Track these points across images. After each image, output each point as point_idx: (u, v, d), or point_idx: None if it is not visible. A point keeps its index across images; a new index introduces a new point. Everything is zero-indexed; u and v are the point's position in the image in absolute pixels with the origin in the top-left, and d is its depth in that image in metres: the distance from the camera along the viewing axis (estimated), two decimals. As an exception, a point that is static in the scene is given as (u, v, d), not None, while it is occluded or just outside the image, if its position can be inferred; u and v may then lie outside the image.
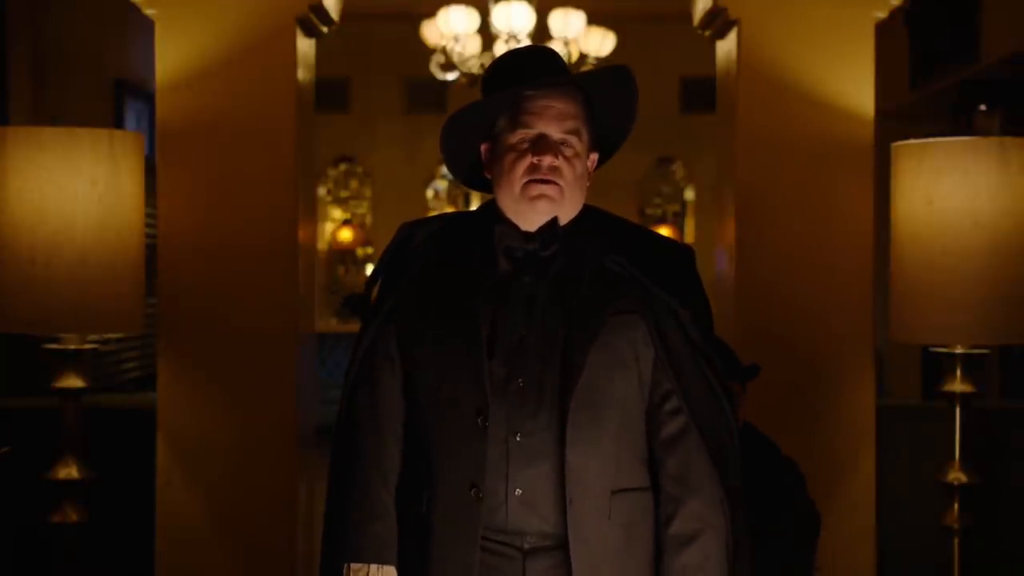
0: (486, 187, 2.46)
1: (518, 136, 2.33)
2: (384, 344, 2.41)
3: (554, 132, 2.33)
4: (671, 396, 2.35)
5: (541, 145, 2.32)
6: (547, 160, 2.31)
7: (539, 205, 2.33)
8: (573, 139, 2.34)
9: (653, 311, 2.35)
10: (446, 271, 2.37)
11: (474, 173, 2.47)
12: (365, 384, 2.42)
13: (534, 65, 2.38)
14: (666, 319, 2.36)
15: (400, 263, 2.42)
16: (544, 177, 2.31)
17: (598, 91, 2.39)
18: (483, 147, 2.41)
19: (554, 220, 2.35)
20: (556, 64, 2.40)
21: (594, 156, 2.42)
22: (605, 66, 2.47)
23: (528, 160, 2.32)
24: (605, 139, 2.45)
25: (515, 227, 2.36)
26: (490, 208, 2.42)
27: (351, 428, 2.42)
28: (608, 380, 2.31)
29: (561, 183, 2.32)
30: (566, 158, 2.33)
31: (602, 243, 2.39)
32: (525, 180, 2.32)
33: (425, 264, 2.39)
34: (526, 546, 2.30)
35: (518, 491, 2.28)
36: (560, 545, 2.30)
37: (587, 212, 2.42)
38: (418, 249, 2.41)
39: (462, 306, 2.33)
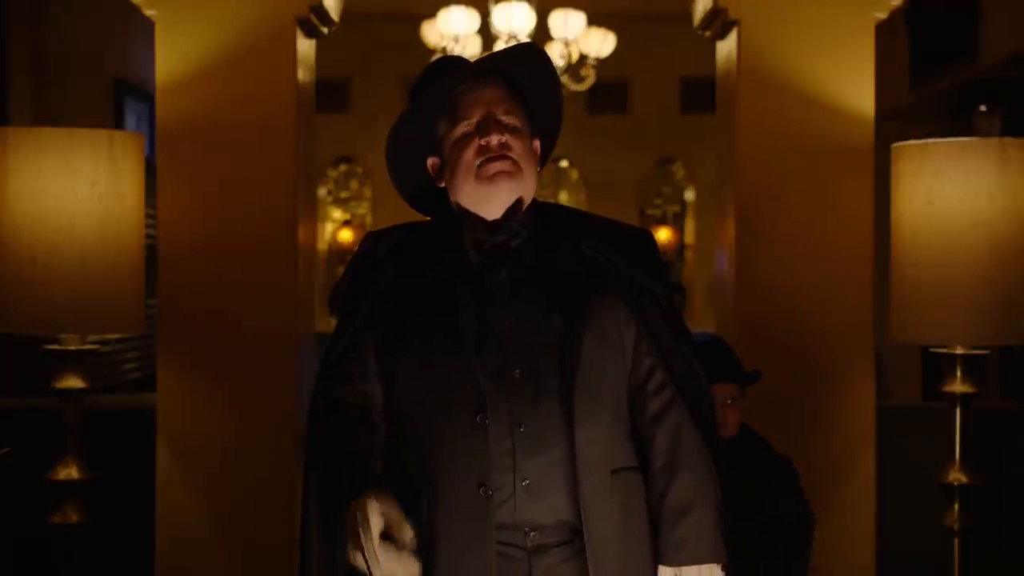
0: (429, 210, 2.49)
1: (461, 129, 2.36)
2: (358, 353, 2.40)
3: (495, 113, 2.36)
4: (655, 373, 2.39)
5: (486, 126, 2.35)
6: (495, 138, 2.34)
7: (499, 182, 2.34)
8: (512, 118, 2.37)
9: (631, 292, 2.39)
10: (418, 277, 2.38)
11: (422, 195, 2.49)
12: (339, 383, 2.40)
13: (452, 67, 2.42)
14: (644, 299, 2.41)
15: (367, 273, 2.42)
16: (496, 154, 2.34)
17: (518, 72, 2.41)
18: (430, 161, 2.43)
19: (518, 205, 2.37)
20: (469, 62, 2.45)
21: (536, 143, 2.44)
22: (514, 45, 2.49)
23: (475, 143, 2.34)
24: (544, 122, 2.48)
25: (479, 220, 2.37)
26: (447, 213, 2.43)
27: (324, 419, 2.40)
28: (601, 362, 2.34)
29: (514, 156, 2.35)
30: (512, 133, 2.36)
31: (570, 231, 2.42)
32: (479, 162, 2.34)
33: (395, 272, 2.39)
34: (530, 544, 2.31)
35: (525, 481, 2.29)
36: (565, 540, 2.32)
37: (544, 205, 2.46)
38: (385, 258, 2.42)
39: (442, 307, 2.34)
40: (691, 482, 2.36)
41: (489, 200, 2.36)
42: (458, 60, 2.50)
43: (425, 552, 2.30)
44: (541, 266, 2.37)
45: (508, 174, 2.34)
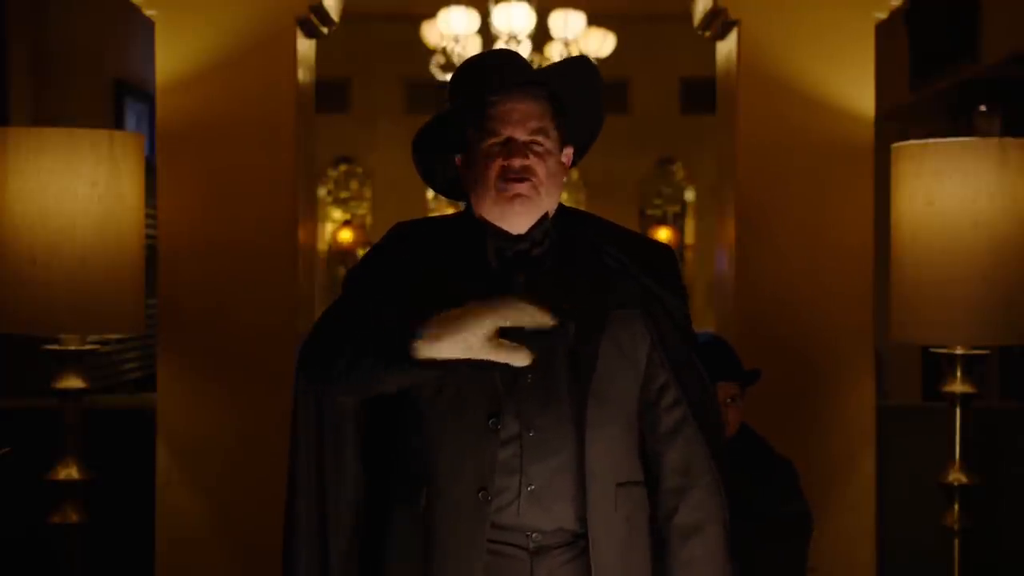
0: (462, 197, 2.47)
1: (488, 142, 2.33)
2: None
3: (520, 135, 2.33)
4: (668, 389, 2.39)
5: (510, 148, 2.32)
6: (517, 162, 2.31)
7: (515, 205, 2.33)
8: (540, 138, 2.34)
9: (648, 305, 2.38)
10: (438, 275, 2.36)
11: (454, 185, 2.48)
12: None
13: (493, 70, 2.38)
14: (659, 312, 2.39)
15: (387, 263, 2.41)
16: (518, 176, 2.32)
17: (561, 85, 2.39)
18: (457, 159, 2.41)
19: (542, 219, 2.36)
20: (517, 65, 2.40)
21: (569, 151, 2.42)
22: (562, 60, 2.47)
23: (498, 163, 2.32)
24: (580, 132, 2.45)
25: (502, 230, 2.36)
26: (471, 211, 2.42)
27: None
28: (613, 374, 2.33)
29: (534, 180, 2.33)
30: (537, 155, 2.33)
31: (591, 240, 2.41)
32: (498, 181, 2.32)
33: (416, 266, 2.38)
34: (532, 545, 2.31)
35: (530, 487, 2.28)
36: (567, 542, 2.32)
37: (569, 211, 2.44)
38: (407, 250, 2.40)
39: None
40: (701, 502, 2.37)
41: (507, 218, 2.35)
42: (506, 57, 2.44)
43: (421, 545, 2.31)
44: (560, 273, 2.36)
45: (525, 197, 2.32)
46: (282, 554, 2.45)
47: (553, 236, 2.38)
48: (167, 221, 4.12)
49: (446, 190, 2.51)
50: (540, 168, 2.33)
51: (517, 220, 2.35)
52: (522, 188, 2.32)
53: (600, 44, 8.56)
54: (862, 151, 4.11)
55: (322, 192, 13.76)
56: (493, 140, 2.33)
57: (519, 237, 2.36)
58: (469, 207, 2.45)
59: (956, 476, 3.77)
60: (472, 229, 2.39)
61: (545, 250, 2.37)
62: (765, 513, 3.33)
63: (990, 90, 7.81)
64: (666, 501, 2.38)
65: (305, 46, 4.29)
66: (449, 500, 2.29)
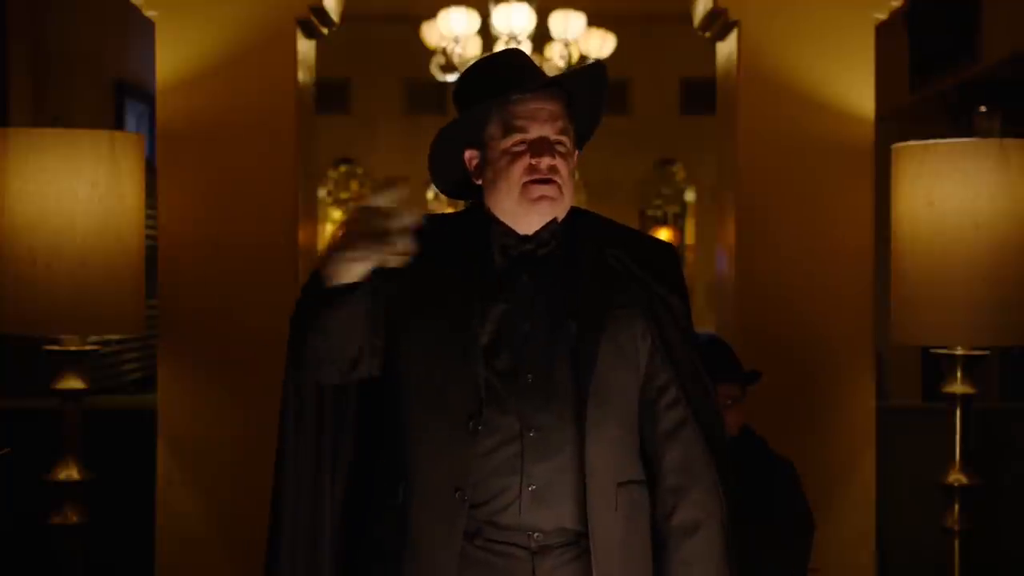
0: (465, 196, 2.47)
1: (514, 140, 2.33)
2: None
3: (549, 133, 2.34)
4: (669, 388, 2.39)
5: (539, 146, 2.32)
6: (546, 161, 2.32)
7: (541, 207, 2.34)
8: (565, 138, 2.36)
9: (649, 305, 2.38)
10: (438, 271, 2.36)
11: (456, 183, 2.47)
12: None
13: (516, 68, 2.39)
14: (661, 312, 2.40)
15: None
16: (543, 177, 2.32)
17: (579, 89, 2.41)
18: (468, 154, 2.40)
19: (552, 221, 2.37)
20: (532, 65, 2.42)
21: (576, 153, 2.43)
22: (584, 66, 2.48)
23: (526, 161, 2.32)
24: (578, 133, 2.46)
25: (511, 229, 2.37)
26: (477, 210, 2.42)
27: None
28: (614, 373, 2.33)
29: (559, 181, 2.34)
30: (562, 156, 2.35)
31: (595, 239, 2.41)
32: (524, 181, 2.33)
33: (416, 258, 2.38)
34: (534, 545, 2.31)
35: (531, 486, 2.28)
36: (571, 541, 2.32)
37: (573, 210, 2.44)
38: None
39: (458, 309, 2.33)
40: (700, 499, 2.37)
41: (527, 219, 2.35)
42: (524, 57, 2.45)
43: (397, 537, 2.31)
44: (564, 273, 2.36)
45: (551, 200, 2.33)
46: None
47: (559, 236, 2.38)
48: (167, 221, 4.12)
49: (449, 190, 2.51)
50: (564, 169, 2.34)
51: (535, 220, 2.35)
52: (549, 191, 2.32)
53: (600, 44, 8.55)
54: (862, 151, 4.11)
55: (322, 193, 13.75)
56: (521, 137, 2.33)
57: (526, 238, 2.36)
58: (472, 206, 2.44)
59: (956, 476, 3.77)
60: (477, 227, 2.39)
61: (551, 250, 2.38)
62: (766, 514, 3.33)
63: (990, 90, 7.80)
64: (665, 500, 2.38)
65: (305, 46, 4.29)
66: (425, 498, 2.30)
